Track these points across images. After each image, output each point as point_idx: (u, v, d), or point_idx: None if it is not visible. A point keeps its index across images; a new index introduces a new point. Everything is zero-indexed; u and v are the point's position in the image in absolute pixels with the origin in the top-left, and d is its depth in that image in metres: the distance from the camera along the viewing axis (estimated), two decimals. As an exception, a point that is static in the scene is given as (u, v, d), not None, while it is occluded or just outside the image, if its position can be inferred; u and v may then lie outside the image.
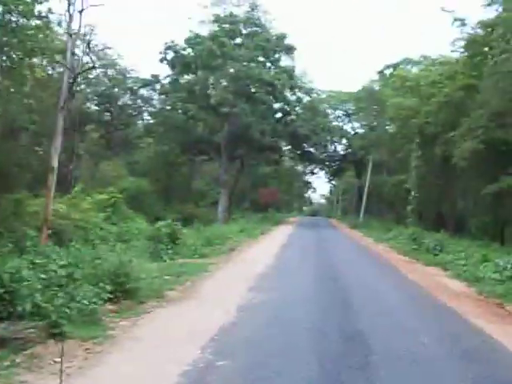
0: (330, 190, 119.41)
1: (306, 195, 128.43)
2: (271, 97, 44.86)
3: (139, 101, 51.25)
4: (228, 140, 44.75)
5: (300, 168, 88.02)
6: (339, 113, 73.71)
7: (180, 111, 46.28)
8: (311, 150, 54.26)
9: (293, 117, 48.24)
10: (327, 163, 75.99)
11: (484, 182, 35.02)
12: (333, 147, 73.13)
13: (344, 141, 76.27)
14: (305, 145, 49.93)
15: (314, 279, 15.02)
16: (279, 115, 47.72)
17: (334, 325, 9.38)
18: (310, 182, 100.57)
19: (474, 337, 9.22)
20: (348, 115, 74.06)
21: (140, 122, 54.01)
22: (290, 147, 52.13)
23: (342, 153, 77.93)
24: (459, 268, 17.47)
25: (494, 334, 9.30)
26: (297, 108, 48.18)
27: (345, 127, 74.93)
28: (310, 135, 45.65)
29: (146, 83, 47.90)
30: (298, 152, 52.95)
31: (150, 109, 51.58)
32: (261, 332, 8.79)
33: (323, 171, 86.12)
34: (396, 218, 54.87)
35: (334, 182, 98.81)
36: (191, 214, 49.34)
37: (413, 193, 33.64)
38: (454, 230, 37.48)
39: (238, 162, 50.33)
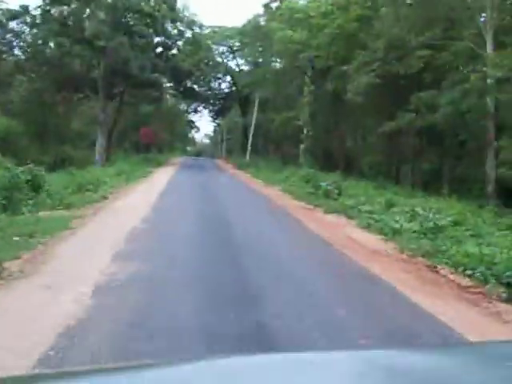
0: (215, 130, 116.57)
1: (190, 135, 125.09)
2: (151, 30, 41.23)
3: (9, 35, 45.88)
4: (105, 76, 40.91)
5: (183, 107, 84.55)
6: (223, 49, 70.89)
7: (52, 46, 41.78)
8: (194, 86, 50.71)
9: (174, 51, 44.84)
10: (211, 101, 73.15)
11: (379, 119, 33.79)
12: (217, 84, 70.54)
13: (228, 78, 73.79)
14: (187, 81, 46.49)
15: (198, 236, 12.16)
16: (160, 50, 43.99)
17: (227, 310, 6.56)
18: (193, 122, 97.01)
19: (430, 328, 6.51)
20: (232, 51, 71.18)
21: (11, 58, 48.51)
22: (171, 84, 48.39)
23: (226, 91, 75.58)
24: (366, 216, 15.25)
25: (449, 320, 6.71)
26: (179, 42, 44.75)
27: (229, 64, 72.60)
28: (192, 70, 42.35)
29: (14, 15, 42.64)
30: (181, 89, 49.27)
31: (21, 44, 46.35)
32: (117, 341, 5.47)
33: (207, 110, 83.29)
34: (283, 158, 53.47)
35: (218, 122, 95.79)
36: (68, 156, 45.82)
37: (305, 130, 31.33)
38: (344, 170, 36.34)
39: (118, 100, 46.59)
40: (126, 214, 14.87)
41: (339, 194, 20.54)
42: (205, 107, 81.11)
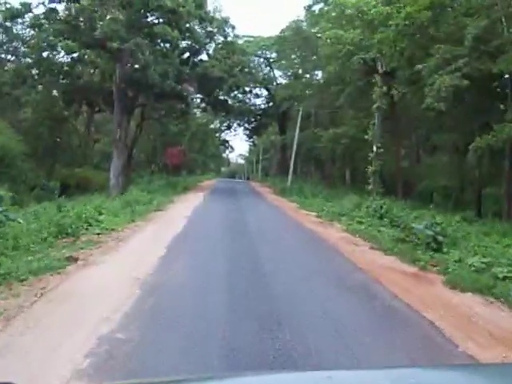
0: (250, 149, 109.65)
1: (224, 155, 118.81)
2: (176, 31, 34.75)
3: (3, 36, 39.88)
4: (120, 86, 34.50)
5: (216, 125, 78.11)
6: (258, 60, 64.50)
7: (61, 50, 35.55)
8: (226, 98, 43.58)
9: (203, 57, 38.28)
10: (246, 118, 66.45)
11: (460, 132, 26.83)
12: (252, 97, 64.05)
13: (265, 93, 67.33)
14: (218, 92, 39.51)
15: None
16: (186, 55, 37.26)
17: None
18: (227, 141, 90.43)
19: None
20: (269, 63, 64.74)
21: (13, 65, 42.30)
22: (200, 96, 41.41)
23: (262, 106, 69.15)
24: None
25: None
26: (208, 46, 37.96)
27: (266, 76, 66.13)
28: (224, 77, 35.36)
29: (14, 14, 36.28)
30: (211, 101, 42.13)
31: (23, 48, 40.21)
32: None
33: (241, 128, 76.68)
34: (328, 181, 46.53)
35: (253, 140, 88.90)
36: (84, 179, 39.74)
37: (375, 148, 23.62)
38: (402, 195, 29.75)
39: (139, 116, 40.21)
40: (101, 295, 8.02)
41: (440, 244, 13.22)
42: (239, 124, 74.56)
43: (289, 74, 62.00)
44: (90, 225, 15.60)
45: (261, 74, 52.07)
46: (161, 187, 36.91)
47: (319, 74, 51.10)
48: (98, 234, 14.50)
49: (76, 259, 10.58)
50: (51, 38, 32.90)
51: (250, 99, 64.51)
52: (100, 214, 18.23)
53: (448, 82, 21.09)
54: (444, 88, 21.17)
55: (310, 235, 16.62)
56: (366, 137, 22.71)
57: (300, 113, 44.30)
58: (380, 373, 1.83)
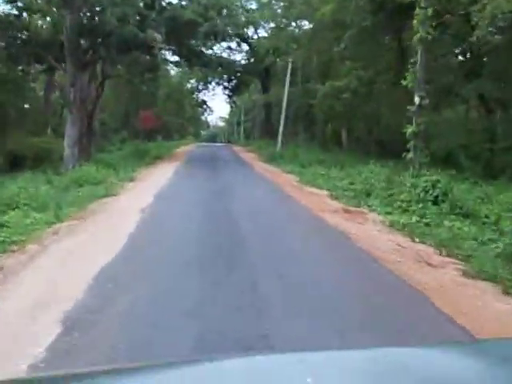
0: (230, 111, 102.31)
1: (203, 118, 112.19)
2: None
3: None
4: (71, 36, 28.16)
5: (193, 85, 71.42)
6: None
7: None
8: (202, 49, 36.65)
9: (173, -1, 31.62)
10: (225, 73, 59.78)
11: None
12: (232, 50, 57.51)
13: (245, 47, 60.86)
14: (192, 40, 32.66)
15: None
16: None
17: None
18: (205, 101, 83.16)
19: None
20: (247, 22, 57.86)
21: None
22: (171, 48, 34.35)
23: (243, 62, 62.74)
24: None
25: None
26: None
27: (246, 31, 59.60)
28: (198, 21, 28.77)
29: None
30: (182, 52, 35.05)
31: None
32: None
33: (220, 87, 69.94)
34: (323, 143, 40.67)
35: (234, 101, 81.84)
36: (43, 150, 33.69)
37: (417, 98, 16.35)
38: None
39: (99, 74, 33.72)
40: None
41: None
42: (218, 83, 67.76)
43: (271, 26, 55.62)
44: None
45: (242, 17, 45.12)
46: (125, 158, 30.83)
47: (306, 24, 44.87)
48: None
49: None
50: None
51: (229, 54, 58.11)
52: (15, 207, 12.33)
53: (505, 6, 15.14)
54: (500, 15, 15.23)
55: (344, 243, 10.00)
56: (404, 83, 16.18)
57: (290, 65, 37.96)
58: (355, 353, 1.78)
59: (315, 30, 38.21)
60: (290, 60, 39.44)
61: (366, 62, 29.94)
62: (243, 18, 44.43)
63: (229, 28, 36.24)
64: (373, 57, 29.73)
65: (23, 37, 30.17)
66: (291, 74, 43.26)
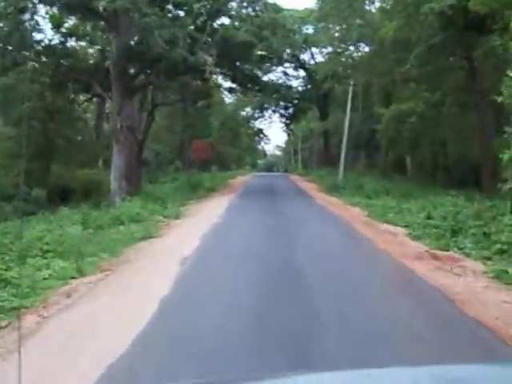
0: (287, 139, 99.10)
1: (259, 147, 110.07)
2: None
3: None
4: (118, 61, 26.43)
5: (248, 113, 69.30)
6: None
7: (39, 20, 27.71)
8: (257, 72, 33.88)
9: (225, 20, 29.55)
10: (282, 98, 57.38)
11: None
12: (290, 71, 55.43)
13: (302, 73, 58.81)
14: (245, 63, 30.06)
15: None
16: (202, 19, 28.27)
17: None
18: (261, 130, 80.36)
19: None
20: (305, 40, 55.68)
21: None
22: (223, 71, 31.66)
23: (300, 89, 60.67)
24: None
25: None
26: (229, 4, 28.85)
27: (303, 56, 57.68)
28: (252, 41, 26.35)
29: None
30: (235, 76, 32.28)
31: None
32: None
33: (277, 114, 67.59)
34: (383, 170, 37.93)
35: (291, 129, 78.48)
36: (91, 182, 32.19)
37: None
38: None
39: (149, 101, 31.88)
40: None
41: None
42: (274, 111, 65.44)
43: (328, 51, 53.41)
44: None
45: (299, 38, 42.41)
46: (177, 190, 28.77)
47: (364, 47, 42.40)
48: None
49: None
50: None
51: (285, 80, 56.07)
52: (34, 255, 10.19)
53: None
54: None
55: (449, 312, 7.22)
56: (499, 99, 13.36)
57: (351, 88, 35.41)
58: (421, 370, 1.81)
59: (376, 51, 35.78)
60: (352, 83, 36.93)
61: (432, 82, 27.28)
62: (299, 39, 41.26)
63: (285, 49, 33.77)
64: (440, 77, 27.05)
65: (66, 63, 28.47)
66: (351, 99, 40.98)
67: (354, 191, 27.02)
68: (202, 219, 17.94)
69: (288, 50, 38.60)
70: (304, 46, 50.79)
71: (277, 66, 42.40)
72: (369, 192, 25.48)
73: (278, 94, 46.17)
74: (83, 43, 32.12)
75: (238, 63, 29.80)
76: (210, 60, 25.15)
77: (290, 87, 56.30)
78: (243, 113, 68.43)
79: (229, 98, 63.54)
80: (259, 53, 28.18)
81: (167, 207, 20.52)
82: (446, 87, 27.40)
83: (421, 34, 26.20)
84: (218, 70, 28.55)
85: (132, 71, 28.07)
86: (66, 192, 29.93)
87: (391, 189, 26.21)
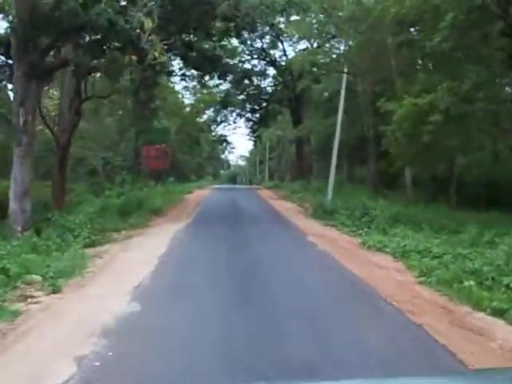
0: (254, 146, 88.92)
1: (223, 156, 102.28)
2: None
3: None
4: (21, 28, 17.98)
5: (209, 116, 60.57)
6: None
7: None
8: (218, 52, 24.51)
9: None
10: (250, 97, 49.83)
11: None
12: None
13: (272, 71, 51.34)
14: (200, 39, 21.16)
15: None
16: None
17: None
18: (224, 136, 71.56)
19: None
20: (277, 35, 48.12)
21: None
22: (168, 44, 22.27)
23: (269, 89, 53.49)
24: None
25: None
26: None
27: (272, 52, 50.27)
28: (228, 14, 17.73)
29: None
30: (187, 55, 23.03)
31: None
32: None
33: (243, 119, 59.06)
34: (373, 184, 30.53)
35: (258, 135, 68.41)
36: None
37: None
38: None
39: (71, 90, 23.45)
40: None
41: None
42: (240, 115, 56.81)
43: (302, 47, 46.46)
44: None
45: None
46: (106, 211, 20.38)
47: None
48: None
49: None
50: None
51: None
52: None
53: None
54: None
55: None
56: None
57: (344, 82, 27.01)
58: (404, 381, 1.82)
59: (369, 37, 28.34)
60: (345, 66, 29.28)
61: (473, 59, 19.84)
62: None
63: (258, 18, 25.04)
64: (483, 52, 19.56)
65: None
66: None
67: (349, 215, 19.09)
68: (108, 291, 9.31)
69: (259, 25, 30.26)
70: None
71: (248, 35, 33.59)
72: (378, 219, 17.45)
73: (248, 81, 38.10)
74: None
75: (191, 34, 21.35)
76: (147, 23, 16.89)
77: (263, 73, 48.82)
78: (204, 116, 60.17)
79: (187, 99, 55.90)
80: (221, 14, 19.68)
81: (65, 252, 12.26)
82: (478, 76, 19.68)
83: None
84: (161, 39, 19.82)
85: (43, 44, 19.60)
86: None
87: (398, 213, 18.57)
